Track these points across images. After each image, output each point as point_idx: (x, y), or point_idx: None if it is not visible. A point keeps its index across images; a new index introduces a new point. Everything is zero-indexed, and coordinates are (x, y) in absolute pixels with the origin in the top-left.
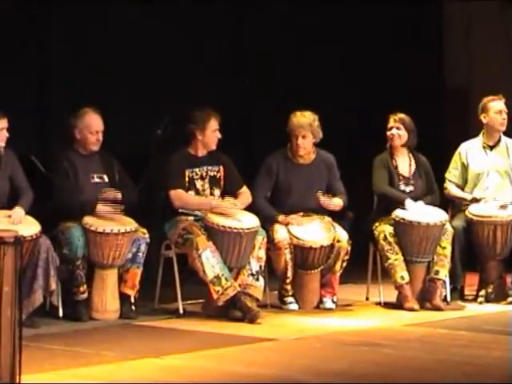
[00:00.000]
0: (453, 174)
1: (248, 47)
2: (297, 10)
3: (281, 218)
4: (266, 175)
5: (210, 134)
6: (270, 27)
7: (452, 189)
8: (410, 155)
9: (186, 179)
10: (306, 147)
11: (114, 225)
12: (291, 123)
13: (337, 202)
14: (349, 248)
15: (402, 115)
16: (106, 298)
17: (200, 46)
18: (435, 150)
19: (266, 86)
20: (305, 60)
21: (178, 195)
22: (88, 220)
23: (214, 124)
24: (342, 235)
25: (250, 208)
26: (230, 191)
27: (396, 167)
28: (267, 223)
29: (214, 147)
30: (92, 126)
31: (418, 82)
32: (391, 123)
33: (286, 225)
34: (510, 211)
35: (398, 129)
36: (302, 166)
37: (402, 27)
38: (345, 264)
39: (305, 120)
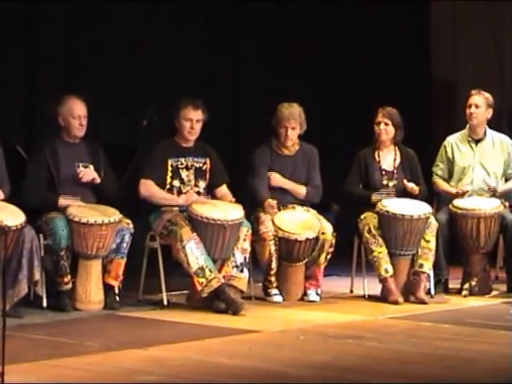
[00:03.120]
0: (439, 167)
1: (238, 39)
2: (287, 5)
3: (268, 202)
4: (260, 166)
5: (183, 123)
6: (259, 20)
7: (441, 184)
8: (396, 149)
9: (169, 168)
10: (294, 138)
11: (97, 215)
12: (281, 114)
13: (298, 191)
14: (333, 240)
15: (390, 109)
16: (90, 289)
17: (190, 35)
18: (422, 142)
19: (253, 77)
20: (292, 53)
21: (147, 185)
22: (72, 210)
23: (187, 113)
24: (327, 227)
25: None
26: (212, 185)
27: (379, 162)
28: (254, 203)
29: (188, 138)
30: (74, 110)
31: (405, 74)
32: (379, 118)
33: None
34: (495, 203)
35: (385, 124)
36: (286, 156)
37: (390, 21)
38: (329, 256)
39: (295, 111)
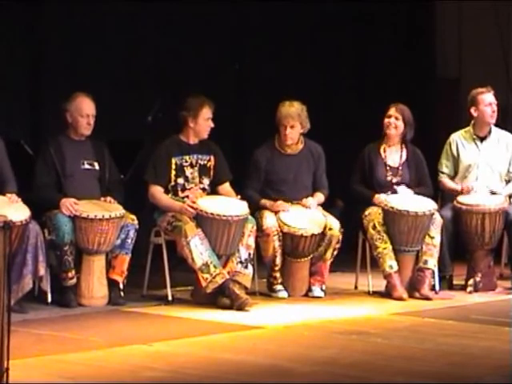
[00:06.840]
0: (444, 165)
1: (241, 35)
2: (290, 4)
3: (269, 203)
4: (254, 171)
5: (202, 123)
6: (261, 16)
7: (446, 183)
8: (403, 146)
9: (174, 167)
10: (294, 137)
11: (99, 210)
12: (279, 113)
13: (318, 200)
14: (340, 236)
15: (403, 106)
16: (93, 284)
17: (193, 33)
18: (426, 139)
19: (258, 75)
20: (297, 50)
21: (153, 192)
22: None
23: (206, 112)
24: (334, 223)
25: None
26: (216, 181)
27: (384, 157)
28: (256, 210)
29: (205, 136)
30: (83, 109)
31: (409, 71)
32: (391, 112)
33: (276, 213)
34: (499, 200)
35: (396, 119)
36: (289, 156)
37: (395, 18)
38: (336, 252)
39: (293, 110)
